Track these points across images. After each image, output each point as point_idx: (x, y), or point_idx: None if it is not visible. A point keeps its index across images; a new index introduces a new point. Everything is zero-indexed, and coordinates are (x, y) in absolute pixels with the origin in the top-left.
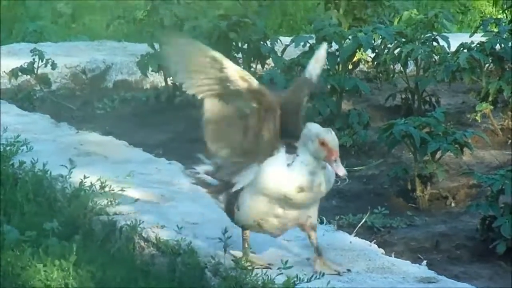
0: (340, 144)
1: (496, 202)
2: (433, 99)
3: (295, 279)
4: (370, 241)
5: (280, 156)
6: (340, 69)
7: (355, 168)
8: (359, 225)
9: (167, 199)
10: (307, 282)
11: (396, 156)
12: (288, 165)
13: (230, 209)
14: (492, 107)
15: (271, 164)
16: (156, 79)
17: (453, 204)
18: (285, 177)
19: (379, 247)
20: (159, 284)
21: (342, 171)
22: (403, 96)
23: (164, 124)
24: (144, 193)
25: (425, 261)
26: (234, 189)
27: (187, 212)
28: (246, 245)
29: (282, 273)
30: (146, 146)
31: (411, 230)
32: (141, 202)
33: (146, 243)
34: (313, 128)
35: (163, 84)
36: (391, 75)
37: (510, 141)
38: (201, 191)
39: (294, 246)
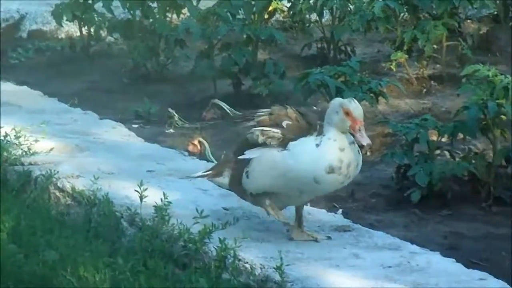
0: (256, 93)
1: (411, 151)
2: (349, 48)
3: (211, 227)
4: None
5: (309, 138)
6: (255, 18)
7: None
8: None
9: (82, 149)
10: (222, 229)
11: (312, 105)
12: (317, 145)
13: (236, 176)
14: (407, 56)
15: (297, 145)
16: (71, 28)
17: (368, 153)
18: (314, 157)
19: None
20: (75, 234)
21: (366, 140)
22: (319, 45)
23: (79, 73)
24: (59, 143)
25: (340, 210)
26: (241, 157)
27: (102, 162)
28: (273, 211)
29: (198, 222)
30: (61, 96)
31: None
32: (57, 152)
33: (61, 193)
34: (336, 101)
35: (78, 34)
36: (307, 25)
37: (425, 90)
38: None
39: (211, 196)
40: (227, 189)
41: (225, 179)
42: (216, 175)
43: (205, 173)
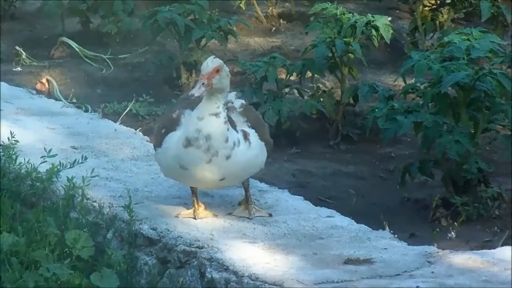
0: (105, 31)
1: (260, 89)
2: None
3: (59, 166)
4: (135, 129)
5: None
6: None
7: (120, 56)
8: (124, 113)
9: None
10: (70, 168)
11: (161, 43)
12: None
13: None
14: None
15: (166, 140)
16: None
17: None
18: (177, 139)
19: (144, 135)
20: None
21: (195, 91)
22: None
23: None
24: None
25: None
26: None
27: None
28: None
29: (46, 161)
30: None
31: None
32: None
33: None
34: None
35: None
36: None
37: (274, 28)
38: None
39: (59, 135)
40: None
41: None
42: None
43: None
